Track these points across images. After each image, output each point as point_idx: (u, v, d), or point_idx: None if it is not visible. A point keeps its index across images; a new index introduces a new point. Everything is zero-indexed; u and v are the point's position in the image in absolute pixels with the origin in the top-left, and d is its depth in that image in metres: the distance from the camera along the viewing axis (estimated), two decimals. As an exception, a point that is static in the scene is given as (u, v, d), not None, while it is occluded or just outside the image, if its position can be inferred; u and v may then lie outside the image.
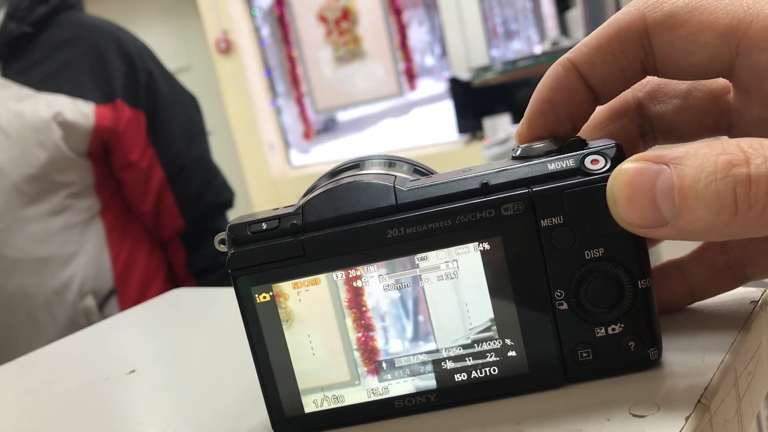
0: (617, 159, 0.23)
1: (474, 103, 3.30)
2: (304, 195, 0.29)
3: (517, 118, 3.10)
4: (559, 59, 0.27)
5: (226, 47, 3.97)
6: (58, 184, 0.97)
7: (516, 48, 3.74)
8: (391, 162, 0.29)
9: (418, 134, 3.97)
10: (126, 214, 1.07)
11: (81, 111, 0.96)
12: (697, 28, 0.23)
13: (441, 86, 3.95)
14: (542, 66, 1.64)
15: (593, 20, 1.77)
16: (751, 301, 0.29)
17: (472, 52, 3.54)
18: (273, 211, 0.27)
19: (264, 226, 0.25)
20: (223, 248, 0.27)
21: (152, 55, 1.09)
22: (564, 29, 1.89)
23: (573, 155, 0.23)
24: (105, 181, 1.03)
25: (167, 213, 1.07)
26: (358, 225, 0.24)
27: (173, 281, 1.11)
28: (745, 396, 0.26)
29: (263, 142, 4.08)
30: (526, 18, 3.72)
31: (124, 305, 1.02)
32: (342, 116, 4.36)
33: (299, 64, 4.03)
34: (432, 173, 0.29)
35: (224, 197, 1.13)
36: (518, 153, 0.25)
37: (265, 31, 4.18)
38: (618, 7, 1.70)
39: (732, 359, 0.25)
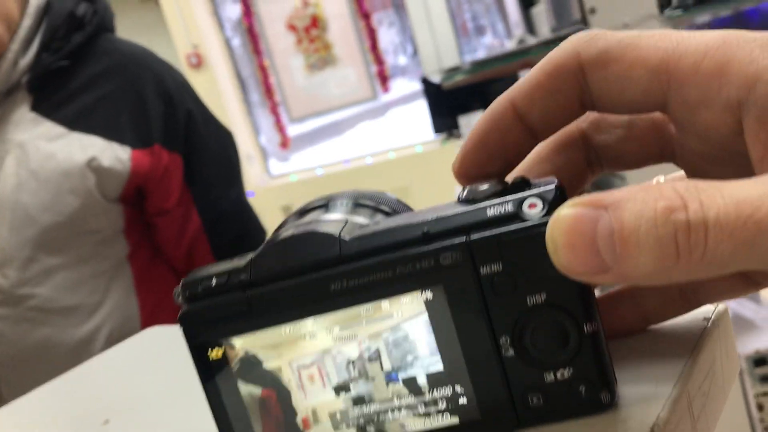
0: (555, 202, 0.23)
1: (448, 102, 3.31)
2: (279, 226, 0.29)
3: (491, 114, 3.11)
4: (500, 95, 0.27)
5: (197, 62, 3.95)
6: (87, 231, 0.92)
7: (487, 42, 3.75)
8: (357, 203, 0.29)
9: (395, 135, 3.98)
10: (154, 257, 1.01)
11: (117, 156, 0.90)
12: (629, 64, 0.24)
13: (415, 85, 3.95)
14: (510, 65, 1.65)
15: (558, 16, 1.77)
16: (704, 318, 0.29)
17: (442, 51, 3.55)
18: (229, 263, 0.27)
19: (214, 282, 0.26)
20: (179, 302, 0.28)
21: (190, 91, 1.03)
22: (530, 26, 1.91)
23: (512, 199, 0.23)
24: (135, 224, 0.98)
25: (202, 261, 1.01)
26: (302, 278, 0.25)
27: None
28: (700, 417, 0.26)
29: (240, 154, 4.06)
30: (493, 13, 3.74)
31: None
32: (319, 122, 4.36)
33: (271, 74, 4.02)
34: (397, 212, 0.29)
35: (259, 239, 1.08)
36: (464, 195, 0.25)
37: (235, 42, 4.16)
38: (581, 2, 1.71)
39: (684, 384, 0.25)
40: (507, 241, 0.23)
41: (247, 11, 3.93)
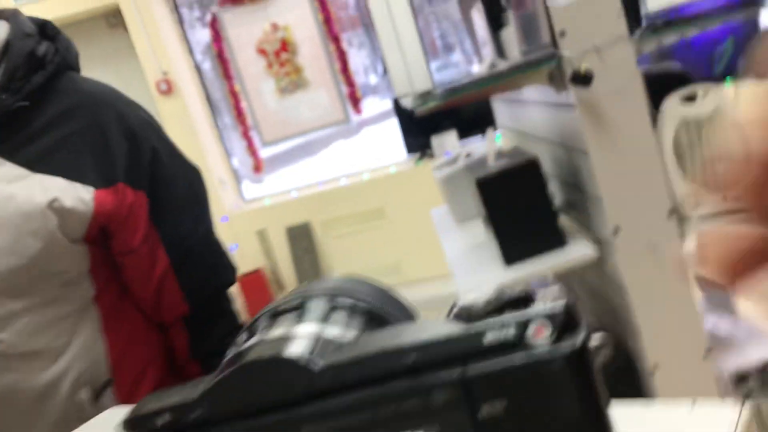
0: (566, 327, 0.20)
1: (420, 123, 3.30)
2: (247, 327, 0.26)
3: (463, 134, 3.11)
4: None
5: (168, 88, 3.90)
6: (51, 274, 0.88)
7: (456, 59, 3.76)
8: (333, 304, 0.26)
9: (369, 155, 3.96)
10: (122, 297, 0.98)
11: (79, 196, 0.87)
12: None
13: (387, 104, 3.94)
14: (483, 90, 1.63)
15: (528, 39, 1.76)
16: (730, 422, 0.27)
17: (413, 71, 3.54)
18: (182, 391, 0.24)
19: (168, 418, 0.22)
20: None
21: (155, 128, 1.00)
22: (499, 49, 1.90)
23: (514, 321, 0.20)
24: (101, 264, 0.94)
25: (171, 299, 0.98)
26: (269, 418, 0.21)
27: (172, 366, 1.02)
28: None
29: (213, 179, 4.01)
30: (462, 31, 3.75)
31: (120, 396, 0.94)
32: (292, 143, 4.32)
33: (243, 98, 3.98)
34: (375, 310, 0.26)
35: (229, 277, 1.05)
36: (456, 311, 0.22)
37: (206, 67, 4.12)
38: (549, 22, 1.70)
39: None
40: (510, 377, 0.20)
41: (217, 36, 3.89)
